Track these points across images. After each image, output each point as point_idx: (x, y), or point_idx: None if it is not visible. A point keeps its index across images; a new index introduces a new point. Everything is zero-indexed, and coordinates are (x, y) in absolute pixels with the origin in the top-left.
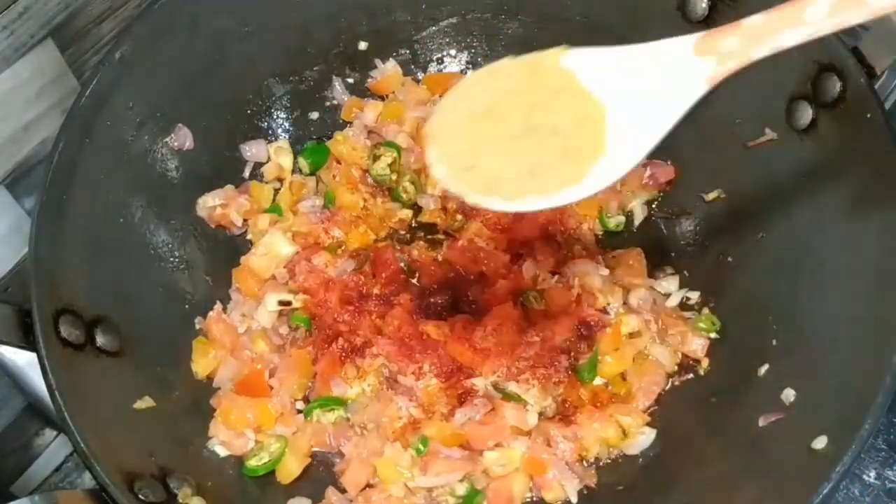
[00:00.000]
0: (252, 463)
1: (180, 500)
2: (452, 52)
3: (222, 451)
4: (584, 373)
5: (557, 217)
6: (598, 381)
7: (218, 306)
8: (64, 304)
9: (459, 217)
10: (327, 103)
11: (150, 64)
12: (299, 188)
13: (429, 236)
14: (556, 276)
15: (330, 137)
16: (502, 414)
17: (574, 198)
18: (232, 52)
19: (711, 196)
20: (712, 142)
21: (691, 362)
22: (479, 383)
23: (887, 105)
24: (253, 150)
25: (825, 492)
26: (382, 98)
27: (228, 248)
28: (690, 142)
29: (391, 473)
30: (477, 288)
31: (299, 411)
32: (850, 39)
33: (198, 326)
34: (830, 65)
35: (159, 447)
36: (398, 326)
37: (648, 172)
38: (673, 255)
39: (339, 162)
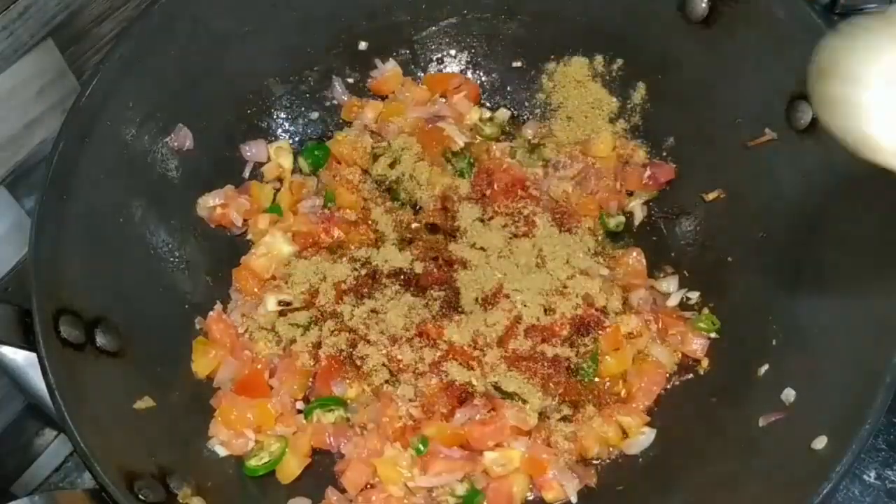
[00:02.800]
0: (252, 463)
1: (180, 500)
2: (452, 52)
3: (222, 451)
4: (584, 373)
5: (558, 218)
6: (597, 380)
7: (218, 306)
8: (64, 304)
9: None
10: (327, 103)
11: (150, 64)
12: (299, 188)
13: (429, 236)
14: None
15: (330, 137)
16: (502, 414)
17: None
18: (232, 52)
19: (711, 196)
20: (712, 142)
21: (691, 362)
22: (479, 383)
23: None
24: (253, 150)
25: (825, 492)
26: (382, 98)
27: (228, 248)
28: (690, 142)
29: (391, 473)
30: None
31: (299, 411)
32: None
33: (198, 326)
34: None
35: (159, 447)
36: (398, 326)
37: (648, 172)
38: (673, 255)
39: (339, 162)
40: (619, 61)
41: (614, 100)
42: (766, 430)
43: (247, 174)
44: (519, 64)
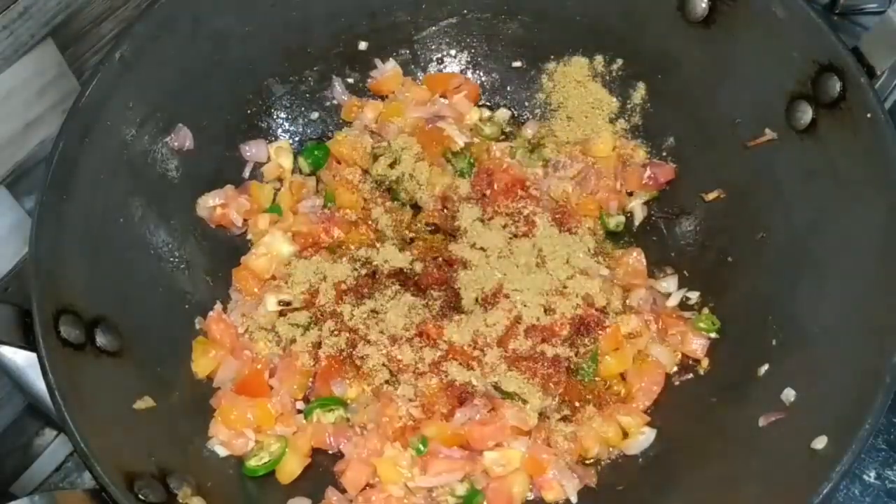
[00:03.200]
0: (252, 463)
1: (180, 500)
2: (452, 52)
3: (222, 451)
4: (584, 373)
5: (558, 218)
6: (597, 380)
7: (218, 306)
8: (64, 304)
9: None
10: (327, 103)
11: (150, 64)
12: (299, 188)
13: (429, 236)
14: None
15: (330, 137)
16: (502, 414)
17: None
18: (232, 52)
19: (711, 196)
20: (712, 142)
21: (691, 362)
22: (479, 383)
23: (887, 105)
24: (253, 150)
25: (825, 492)
26: (382, 98)
27: (228, 248)
28: (690, 142)
29: (391, 473)
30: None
31: (299, 411)
32: (850, 39)
33: (198, 326)
34: (830, 65)
35: (159, 447)
36: (398, 326)
37: (648, 172)
38: (673, 255)
39: (339, 162)
40: (619, 61)
41: (614, 100)
42: (766, 430)
43: (247, 174)
44: (519, 64)
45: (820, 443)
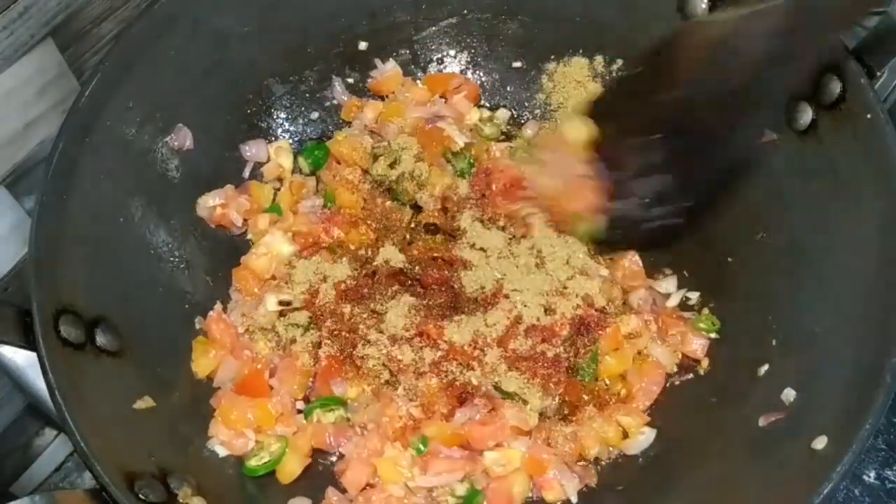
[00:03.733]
0: (252, 463)
1: (180, 500)
2: (452, 52)
3: (222, 451)
4: (584, 372)
5: (558, 219)
6: (597, 381)
7: (218, 306)
8: (64, 304)
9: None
10: (327, 103)
11: (150, 64)
12: (299, 188)
13: (429, 236)
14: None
15: (330, 137)
16: (502, 414)
17: None
18: (232, 52)
19: None
20: None
21: (691, 362)
22: (479, 383)
23: (887, 105)
24: (253, 150)
25: (825, 492)
26: (382, 98)
27: (228, 248)
28: None
29: (391, 473)
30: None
31: (299, 411)
32: (850, 39)
33: (198, 326)
34: (830, 65)
35: (159, 447)
36: (398, 326)
37: None
38: (673, 255)
39: (339, 162)
40: (619, 61)
41: None
42: (766, 430)
43: (247, 174)
44: (519, 64)
45: (820, 443)
